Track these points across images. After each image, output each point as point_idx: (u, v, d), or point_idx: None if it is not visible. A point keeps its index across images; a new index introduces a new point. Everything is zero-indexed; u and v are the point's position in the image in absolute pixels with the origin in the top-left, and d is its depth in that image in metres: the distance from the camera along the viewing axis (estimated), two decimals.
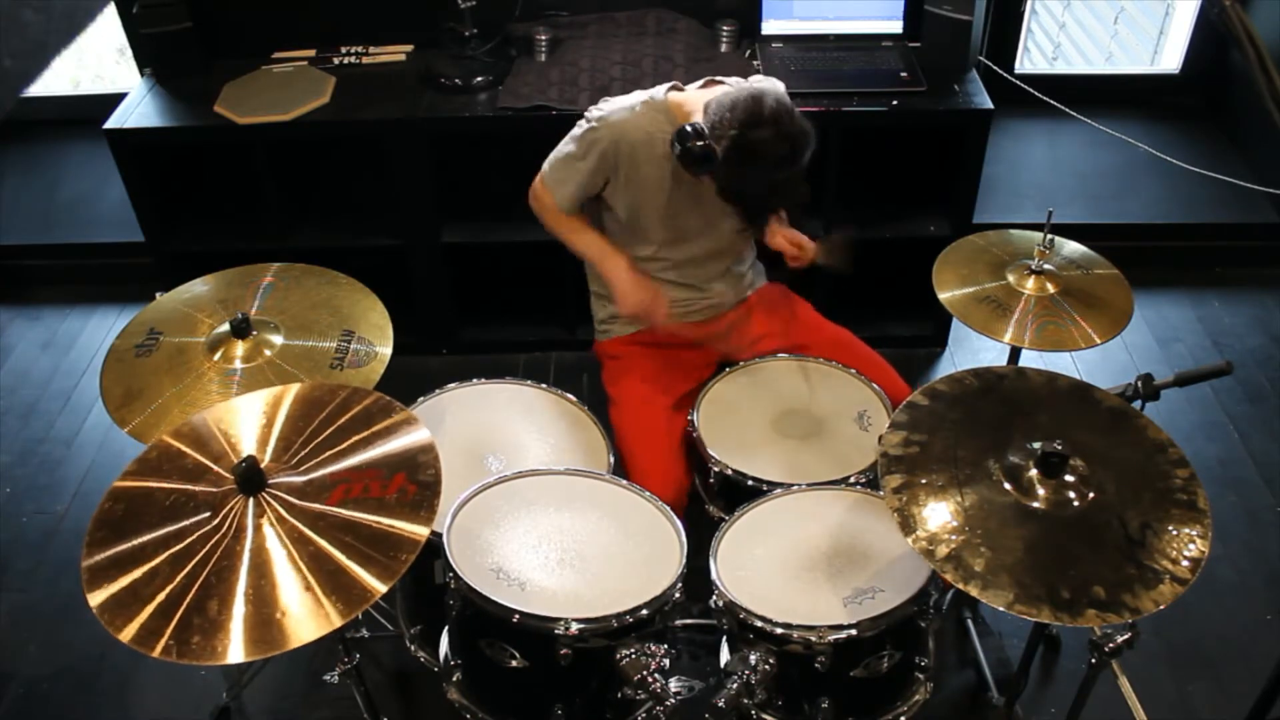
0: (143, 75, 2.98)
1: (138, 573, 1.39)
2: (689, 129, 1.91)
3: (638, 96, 2.11)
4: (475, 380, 2.19)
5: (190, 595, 1.36)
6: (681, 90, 2.11)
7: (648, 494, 1.89)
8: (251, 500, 1.45)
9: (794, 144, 1.88)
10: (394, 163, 2.77)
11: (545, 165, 2.17)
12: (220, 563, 1.39)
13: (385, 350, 1.92)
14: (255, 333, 1.90)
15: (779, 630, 1.69)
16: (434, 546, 1.70)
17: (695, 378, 2.22)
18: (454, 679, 1.83)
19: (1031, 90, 3.38)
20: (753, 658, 1.72)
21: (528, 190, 2.22)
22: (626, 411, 2.17)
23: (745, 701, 1.73)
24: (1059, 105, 3.39)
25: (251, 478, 1.45)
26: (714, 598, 1.77)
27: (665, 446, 2.08)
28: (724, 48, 2.89)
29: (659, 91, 2.10)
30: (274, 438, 1.56)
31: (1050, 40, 3.80)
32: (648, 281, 2.18)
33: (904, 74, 2.76)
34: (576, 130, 2.12)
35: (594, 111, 2.10)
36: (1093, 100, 3.53)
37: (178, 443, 1.57)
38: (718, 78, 2.12)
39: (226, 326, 1.89)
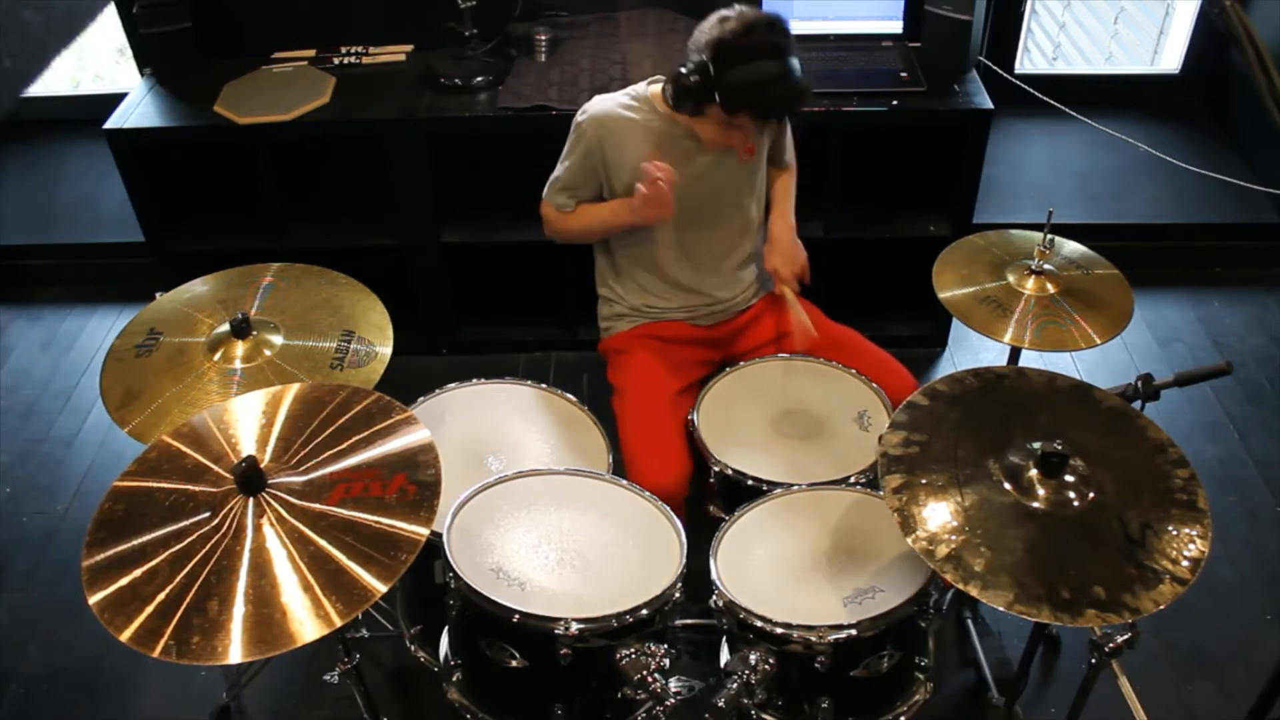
0: (143, 75, 2.98)
1: (138, 573, 1.39)
2: (675, 71, 1.95)
3: (621, 92, 2.14)
4: (475, 380, 2.18)
5: (190, 595, 1.36)
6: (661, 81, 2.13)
7: (648, 494, 1.89)
8: (251, 500, 1.45)
9: (770, 24, 1.90)
10: (394, 163, 2.77)
11: (548, 185, 2.21)
12: (220, 563, 1.39)
13: (385, 350, 1.92)
14: (255, 333, 1.90)
15: (779, 630, 1.69)
16: (434, 546, 1.70)
17: (697, 372, 2.23)
18: (454, 679, 1.83)
19: (1031, 90, 3.38)
20: (753, 658, 1.72)
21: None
22: (630, 397, 2.17)
23: (745, 701, 1.73)
24: (1059, 105, 3.39)
25: (251, 478, 1.45)
26: (714, 598, 1.77)
27: (668, 430, 2.08)
28: None
29: (640, 85, 2.14)
30: (274, 438, 1.56)
31: (1050, 40, 3.80)
32: (645, 190, 2.06)
33: (904, 74, 2.76)
34: (569, 136, 2.15)
35: (579, 114, 2.14)
36: (1093, 100, 3.53)
37: (178, 443, 1.57)
38: None
39: (226, 326, 1.89)
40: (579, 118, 2.13)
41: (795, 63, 1.92)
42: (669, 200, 2.04)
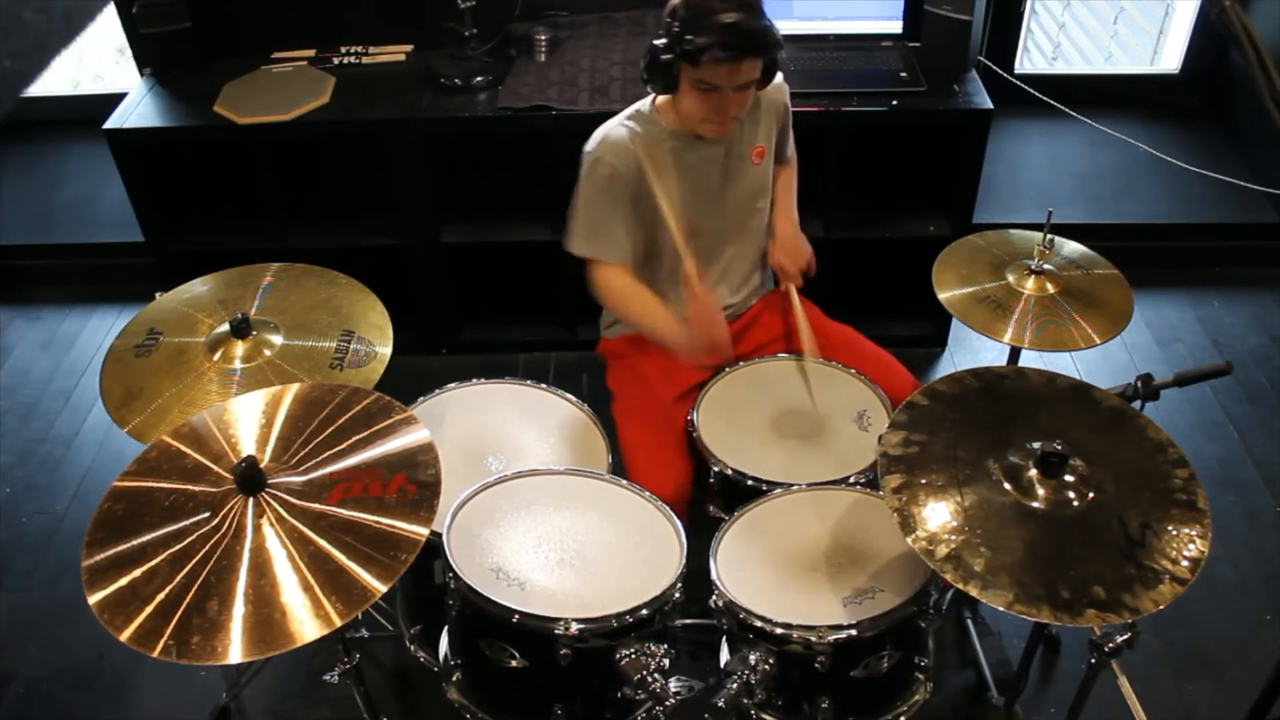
0: (143, 75, 2.98)
1: (137, 573, 1.39)
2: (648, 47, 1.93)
3: (623, 114, 2.09)
4: (475, 380, 2.18)
5: (190, 595, 1.36)
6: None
7: (647, 494, 1.89)
8: (251, 500, 1.45)
9: None
10: (394, 163, 2.77)
11: (572, 238, 2.08)
12: (220, 563, 1.39)
13: (385, 350, 1.92)
14: (255, 333, 1.90)
15: (779, 630, 1.69)
16: (434, 546, 1.70)
17: (697, 375, 2.22)
18: (454, 679, 1.84)
19: (1031, 90, 3.38)
20: (753, 658, 1.72)
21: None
22: (629, 404, 2.16)
23: (745, 701, 1.73)
24: (1059, 105, 3.39)
25: (251, 478, 1.45)
26: (714, 598, 1.77)
27: (667, 438, 2.07)
28: None
29: (644, 103, 2.09)
30: (274, 438, 1.56)
31: (1050, 40, 3.81)
32: (702, 317, 2.00)
33: (904, 74, 2.76)
34: (582, 176, 2.06)
35: (587, 146, 2.06)
36: (1093, 100, 3.53)
37: (177, 443, 1.57)
38: None
39: (226, 326, 1.89)
40: (592, 150, 2.03)
41: (759, 13, 1.87)
42: (728, 345, 2.00)
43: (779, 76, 2.11)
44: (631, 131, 2.04)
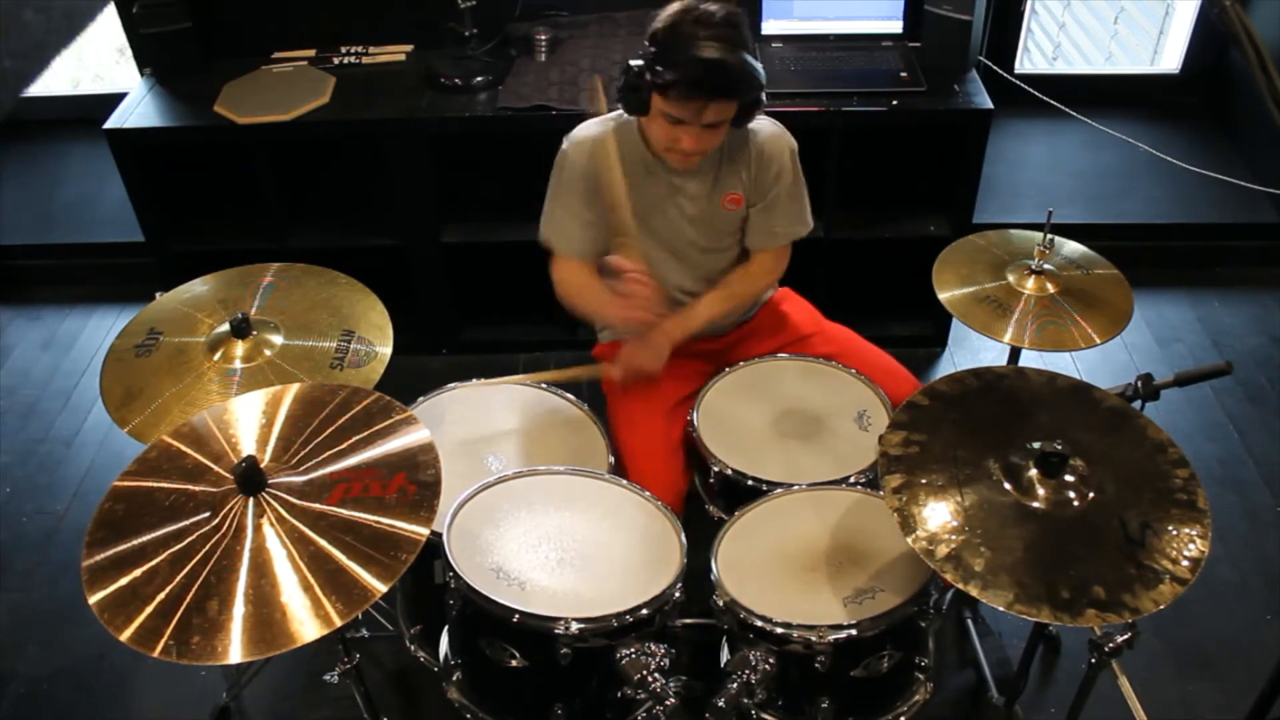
0: (143, 75, 2.99)
1: (137, 573, 1.39)
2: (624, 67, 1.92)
3: (611, 114, 2.09)
4: (475, 380, 2.18)
5: (190, 595, 1.36)
6: None
7: (647, 494, 1.89)
8: (251, 500, 1.45)
9: (713, 11, 1.83)
10: (394, 163, 2.77)
11: (541, 224, 2.13)
12: (220, 563, 1.39)
13: (385, 350, 1.92)
14: (255, 333, 1.90)
15: (779, 630, 1.69)
16: (434, 546, 1.70)
17: (694, 384, 2.21)
18: (454, 679, 1.84)
19: (1031, 90, 3.38)
20: (753, 658, 1.72)
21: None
22: (624, 416, 2.15)
23: (745, 701, 1.73)
24: (1059, 105, 3.39)
25: (251, 478, 1.45)
26: (714, 597, 1.77)
27: (663, 451, 2.06)
28: None
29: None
30: (274, 438, 1.56)
31: (1050, 40, 3.81)
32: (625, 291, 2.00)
33: (904, 74, 2.76)
34: (554, 166, 2.09)
35: (564, 144, 2.07)
36: (1093, 100, 3.53)
37: (178, 443, 1.57)
38: None
39: (226, 326, 1.90)
40: (565, 149, 2.06)
41: (739, 49, 1.84)
42: (648, 307, 1.97)
43: (787, 138, 2.09)
44: (607, 134, 2.04)
